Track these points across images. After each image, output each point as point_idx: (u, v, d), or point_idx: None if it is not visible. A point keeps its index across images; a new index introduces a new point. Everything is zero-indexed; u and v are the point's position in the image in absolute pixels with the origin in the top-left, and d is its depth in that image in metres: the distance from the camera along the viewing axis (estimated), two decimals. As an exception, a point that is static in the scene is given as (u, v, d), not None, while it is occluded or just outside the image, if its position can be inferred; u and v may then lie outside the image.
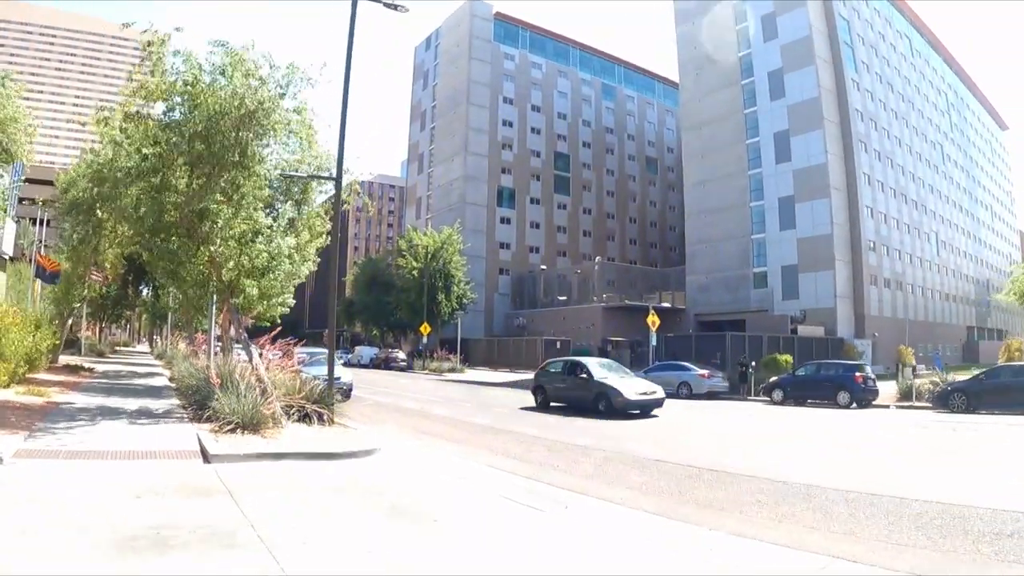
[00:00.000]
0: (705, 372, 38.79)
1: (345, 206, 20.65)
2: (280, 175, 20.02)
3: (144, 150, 17.81)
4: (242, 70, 17.17)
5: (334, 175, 19.50)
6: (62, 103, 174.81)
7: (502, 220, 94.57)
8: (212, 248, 18.30)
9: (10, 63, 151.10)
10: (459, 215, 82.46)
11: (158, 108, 18.15)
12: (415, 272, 63.52)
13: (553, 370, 30.71)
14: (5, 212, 50.48)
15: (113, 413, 17.58)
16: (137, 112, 17.63)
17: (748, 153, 72.50)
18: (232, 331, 24.89)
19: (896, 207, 77.23)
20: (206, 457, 12.60)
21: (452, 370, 57.31)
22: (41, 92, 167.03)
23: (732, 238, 72.99)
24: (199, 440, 13.91)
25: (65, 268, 37.87)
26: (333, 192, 20.77)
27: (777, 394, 36.24)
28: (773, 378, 38.41)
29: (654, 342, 46.02)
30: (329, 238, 21.62)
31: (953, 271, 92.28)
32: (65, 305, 37.40)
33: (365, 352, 68.70)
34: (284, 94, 17.86)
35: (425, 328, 59.78)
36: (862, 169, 70.93)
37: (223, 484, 10.47)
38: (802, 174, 68.42)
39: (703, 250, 75.23)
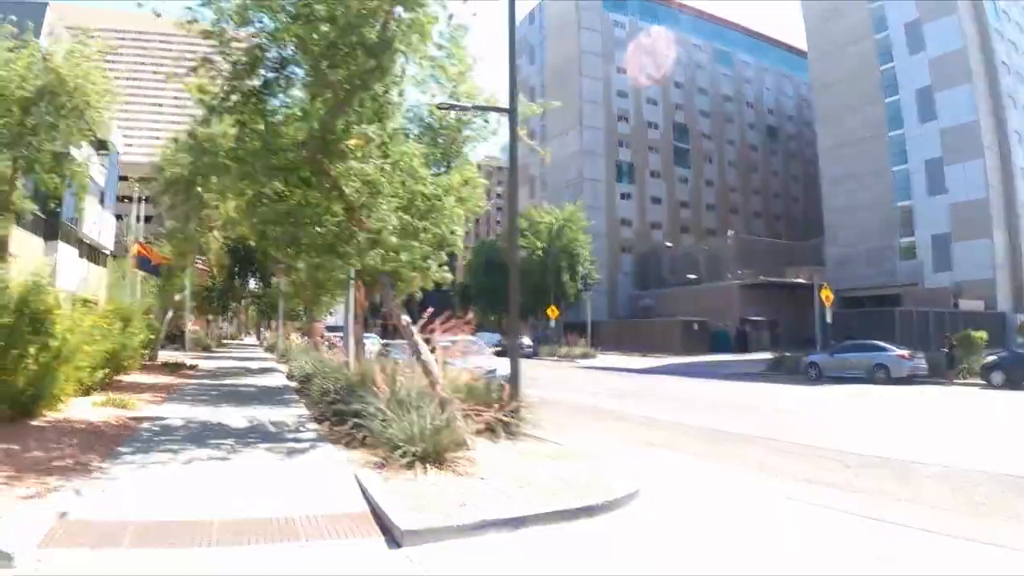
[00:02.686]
0: (905, 352, 32.41)
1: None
2: (435, 105, 14.09)
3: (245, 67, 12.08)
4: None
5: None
6: (160, 105, 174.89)
7: (622, 196, 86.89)
8: (350, 191, 12.36)
9: (111, 70, 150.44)
10: (576, 192, 75.68)
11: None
12: (539, 252, 57.62)
13: None
14: (99, 198, 46.59)
15: (219, 434, 11.79)
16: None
17: (887, 112, 64.17)
18: (360, 313, 19.28)
19: (1045, 170, 67.79)
20: (388, 531, 6.70)
21: (584, 355, 51.18)
22: (136, 95, 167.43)
23: (873, 206, 64.60)
24: (365, 494, 7.96)
25: (166, 256, 33.19)
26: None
27: (996, 376, 30.06)
28: (990, 358, 32.07)
29: (829, 319, 39.34)
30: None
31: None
32: (167, 296, 32.39)
33: (487, 338, 62.80)
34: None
35: (553, 311, 53.88)
36: (1012, 127, 61.95)
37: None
38: (950, 133, 59.90)
39: (842, 220, 67.01)
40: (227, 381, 22.28)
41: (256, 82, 12.24)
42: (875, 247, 64.59)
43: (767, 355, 54.53)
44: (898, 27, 65.07)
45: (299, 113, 12.43)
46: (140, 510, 6.90)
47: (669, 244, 78.01)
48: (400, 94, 12.72)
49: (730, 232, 77.08)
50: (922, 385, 30.44)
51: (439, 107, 14.18)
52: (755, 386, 30.27)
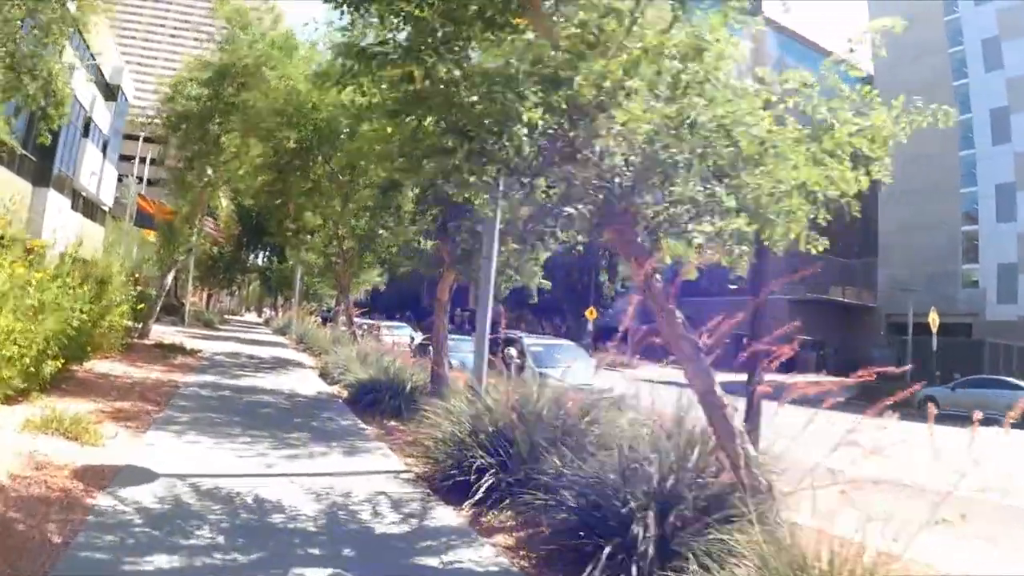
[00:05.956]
0: (1045, 393, 26.06)
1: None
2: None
3: None
4: None
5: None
6: (174, 70, 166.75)
7: (660, 193, 79.01)
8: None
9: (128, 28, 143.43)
10: (612, 186, 69.07)
11: None
12: (580, 247, 51.12)
13: None
14: (101, 147, 39.80)
15: (281, 554, 5.00)
16: None
17: (959, 131, 58.18)
18: (446, 302, 12.83)
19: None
20: None
21: (624, 365, 44.61)
22: (151, 57, 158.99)
23: (935, 228, 58.77)
24: None
25: (169, 211, 26.47)
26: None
27: None
28: None
29: (935, 347, 33.45)
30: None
31: None
32: (167, 257, 25.31)
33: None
34: None
35: (591, 313, 47.29)
36: (1092, 156, 56.28)
37: None
38: (1026, 158, 53.66)
39: (899, 240, 60.91)
40: (243, 381, 15.19)
41: None
42: (934, 272, 58.95)
43: (816, 377, 48.66)
44: (975, 43, 59.80)
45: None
46: None
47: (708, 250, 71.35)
48: None
49: (779, 243, 70.26)
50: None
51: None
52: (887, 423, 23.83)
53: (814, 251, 6.77)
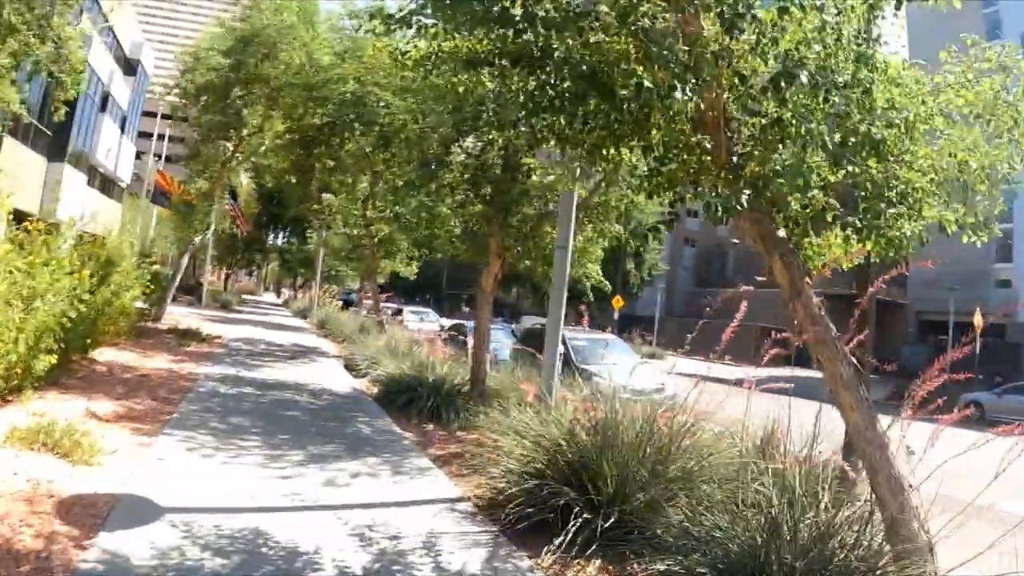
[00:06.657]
0: None
1: None
2: None
3: None
4: None
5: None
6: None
7: (687, 182, 76.75)
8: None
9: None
10: (638, 172, 67.13)
11: None
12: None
13: None
14: (120, 123, 38.61)
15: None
16: None
17: (996, 124, 56.27)
18: (492, 290, 11.64)
19: None
20: None
21: (652, 356, 43.24)
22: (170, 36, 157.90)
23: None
24: None
25: (187, 190, 25.18)
26: None
27: None
28: None
29: (978, 350, 31.91)
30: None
31: None
32: (185, 234, 24.00)
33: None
34: None
35: (617, 302, 45.76)
36: None
37: None
38: (1065, 156, 51.93)
39: (932, 235, 58.91)
40: (264, 373, 13.80)
41: None
42: (968, 270, 56.83)
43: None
44: (1014, 37, 57.18)
45: None
46: None
47: (736, 240, 69.45)
48: None
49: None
50: None
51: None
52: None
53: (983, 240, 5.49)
